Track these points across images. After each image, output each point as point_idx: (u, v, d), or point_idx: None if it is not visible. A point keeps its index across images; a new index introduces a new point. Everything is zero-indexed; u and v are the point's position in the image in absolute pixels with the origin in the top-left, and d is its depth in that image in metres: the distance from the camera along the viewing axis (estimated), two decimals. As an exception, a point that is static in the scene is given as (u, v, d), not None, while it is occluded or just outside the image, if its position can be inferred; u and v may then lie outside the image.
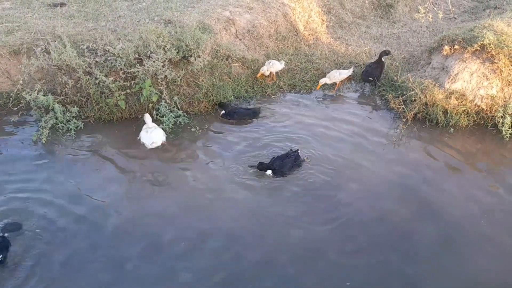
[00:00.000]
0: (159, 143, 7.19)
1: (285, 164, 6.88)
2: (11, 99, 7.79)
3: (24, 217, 5.93)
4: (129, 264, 5.44)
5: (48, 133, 7.28)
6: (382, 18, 12.12)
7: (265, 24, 10.27)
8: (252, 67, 9.32)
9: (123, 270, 5.37)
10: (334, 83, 9.24)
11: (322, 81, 9.07)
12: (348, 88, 9.49)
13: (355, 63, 10.06)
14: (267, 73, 9.15)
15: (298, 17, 11.01)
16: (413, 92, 8.30)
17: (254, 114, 8.28)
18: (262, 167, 6.85)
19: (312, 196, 6.55)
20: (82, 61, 7.63)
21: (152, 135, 7.17)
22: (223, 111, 8.18)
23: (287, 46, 10.35)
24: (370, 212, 6.29)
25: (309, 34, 10.92)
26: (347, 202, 6.45)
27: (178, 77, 8.07)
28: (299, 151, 7.11)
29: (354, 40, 11.09)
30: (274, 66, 9.18)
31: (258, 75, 9.12)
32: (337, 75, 9.11)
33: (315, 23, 11.22)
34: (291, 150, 7.14)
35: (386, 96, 8.70)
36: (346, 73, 9.21)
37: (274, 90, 9.13)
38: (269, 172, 6.86)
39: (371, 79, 9.15)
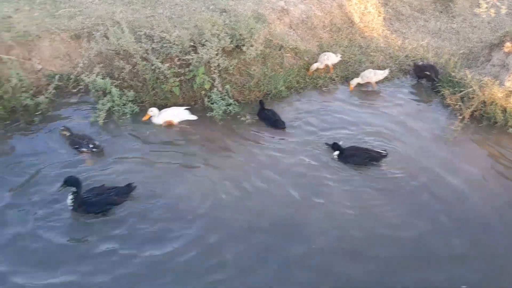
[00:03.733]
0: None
1: (356, 155, 6.92)
2: (71, 81, 8.09)
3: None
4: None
5: (105, 115, 7.53)
6: (441, 12, 11.75)
7: (319, 14, 10.18)
8: (305, 58, 9.27)
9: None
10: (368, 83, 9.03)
11: (354, 82, 8.86)
12: (403, 82, 9.31)
13: (411, 57, 9.84)
14: (321, 67, 9.03)
15: (353, 9, 10.84)
16: (471, 89, 8.03)
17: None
18: (335, 146, 7.02)
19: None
20: (140, 47, 7.83)
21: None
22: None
23: (342, 38, 10.23)
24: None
25: (365, 26, 10.74)
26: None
27: (231, 66, 8.15)
28: (382, 152, 7.05)
29: (411, 34, 10.83)
30: (330, 59, 9.08)
31: (309, 72, 9.01)
32: (372, 75, 8.88)
33: (371, 15, 11.01)
34: (370, 149, 7.10)
35: (443, 92, 8.46)
36: (381, 73, 8.96)
37: (326, 82, 9.06)
38: (336, 153, 6.97)
39: (428, 73, 8.90)
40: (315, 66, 8.95)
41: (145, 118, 7.46)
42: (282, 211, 6.13)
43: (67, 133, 7.04)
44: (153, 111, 7.52)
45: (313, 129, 7.80)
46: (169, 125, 7.62)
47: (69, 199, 5.76)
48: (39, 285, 5.01)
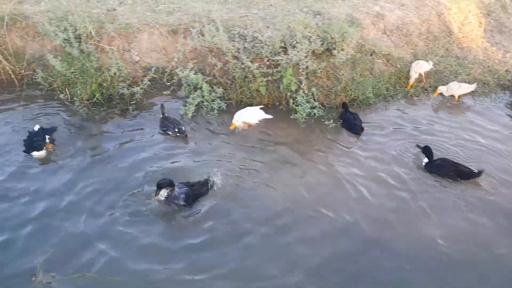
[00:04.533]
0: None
1: (443, 166, 6.66)
2: (165, 74, 8.47)
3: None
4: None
5: (194, 109, 7.80)
6: (550, 25, 10.91)
7: (416, 21, 9.85)
8: (397, 65, 9.00)
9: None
10: (452, 96, 8.59)
11: (441, 89, 8.50)
12: (500, 97, 8.78)
13: (512, 72, 9.26)
14: (416, 76, 8.73)
15: (453, 18, 10.37)
16: None
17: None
18: (426, 151, 6.81)
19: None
20: (232, 45, 8.01)
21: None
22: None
23: (438, 47, 9.81)
24: None
25: (463, 36, 10.23)
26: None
27: (319, 69, 8.11)
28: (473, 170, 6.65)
29: (514, 47, 10.16)
30: (423, 67, 8.75)
31: (409, 86, 8.73)
32: (456, 88, 8.43)
33: (472, 25, 10.47)
34: (461, 164, 6.77)
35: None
36: (467, 87, 8.49)
37: (418, 91, 8.75)
38: (425, 160, 6.77)
39: None
40: (412, 78, 8.67)
41: (232, 127, 7.51)
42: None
43: (161, 115, 7.52)
44: (238, 121, 7.54)
45: (398, 138, 7.57)
46: (248, 126, 7.67)
47: (162, 195, 5.89)
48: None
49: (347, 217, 5.96)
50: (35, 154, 6.61)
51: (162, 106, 7.61)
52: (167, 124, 7.36)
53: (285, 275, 5.22)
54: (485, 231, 5.86)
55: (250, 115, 7.59)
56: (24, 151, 6.70)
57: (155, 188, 5.85)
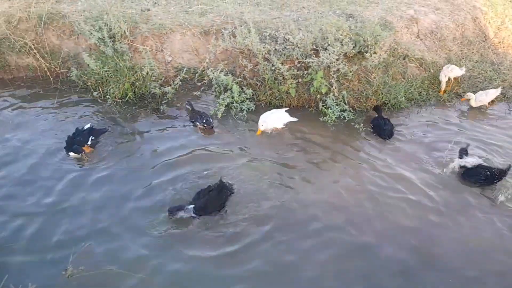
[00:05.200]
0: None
1: (489, 175, 6.48)
2: (196, 74, 8.54)
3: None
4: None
5: (224, 109, 7.85)
6: None
7: (451, 26, 9.67)
8: (431, 70, 8.85)
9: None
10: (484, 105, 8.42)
11: (469, 95, 8.34)
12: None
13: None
14: (445, 79, 8.55)
15: (489, 22, 10.15)
16: None
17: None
18: (462, 152, 6.75)
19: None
20: (263, 47, 8.01)
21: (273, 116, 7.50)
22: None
23: (472, 52, 9.61)
24: None
25: (499, 42, 9.99)
26: None
27: (350, 72, 8.04)
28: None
29: (552, 53, 9.86)
30: (454, 71, 8.58)
31: (441, 92, 8.59)
32: (484, 97, 8.26)
33: (508, 30, 10.21)
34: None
35: None
36: (493, 93, 8.31)
37: (451, 96, 8.58)
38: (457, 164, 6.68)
39: None
40: (443, 82, 8.52)
41: (258, 133, 7.47)
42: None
43: (190, 108, 7.77)
44: (263, 125, 7.47)
45: (428, 144, 7.42)
46: (274, 129, 7.61)
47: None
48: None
49: (371, 227, 5.90)
50: (71, 154, 6.72)
51: (188, 101, 7.85)
52: (196, 116, 7.61)
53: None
54: None
55: (277, 119, 7.55)
56: (64, 148, 6.81)
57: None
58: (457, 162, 6.73)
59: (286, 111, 7.70)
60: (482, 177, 6.48)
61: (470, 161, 6.62)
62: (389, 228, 5.86)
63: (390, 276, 5.26)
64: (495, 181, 6.48)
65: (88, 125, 7.15)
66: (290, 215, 6.00)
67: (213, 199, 5.89)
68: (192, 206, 5.80)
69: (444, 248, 5.60)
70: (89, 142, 6.81)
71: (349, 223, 5.90)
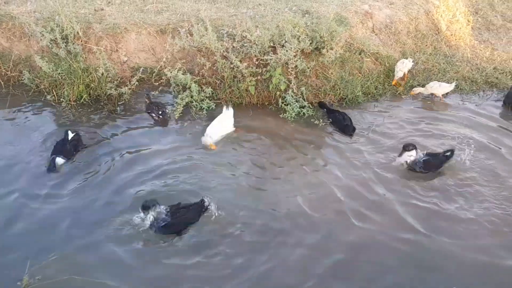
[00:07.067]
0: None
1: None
2: (153, 74, 8.42)
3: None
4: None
5: (182, 109, 7.76)
6: (538, 23, 10.99)
7: (404, 20, 9.88)
8: (386, 64, 9.02)
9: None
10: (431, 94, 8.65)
11: (417, 90, 8.55)
12: (488, 95, 8.82)
13: (500, 69, 9.29)
14: (400, 75, 8.74)
15: (441, 16, 10.42)
16: None
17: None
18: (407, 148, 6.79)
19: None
20: (221, 45, 7.96)
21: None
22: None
23: (426, 45, 9.85)
24: None
25: (451, 35, 10.28)
26: None
27: (308, 68, 8.10)
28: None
29: (501, 45, 10.22)
30: (407, 66, 8.77)
31: (394, 82, 8.76)
32: (437, 86, 8.49)
33: (459, 23, 10.53)
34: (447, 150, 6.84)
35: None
36: (447, 86, 8.53)
37: (406, 89, 8.77)
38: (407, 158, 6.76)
39: None
40: (397, 76, 8.70)
41: (213, 148, 7.15)
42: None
43: (147, 100, 7.79)
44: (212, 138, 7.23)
45: (388, 137, 7.55)
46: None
47: (148, 220, 5.54)
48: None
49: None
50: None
51: (147, 93, 7.86)
52: (152, 107, 7.68)
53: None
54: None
55: (221, 128, 7.32)
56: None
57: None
58: (403, 158, 6.81)
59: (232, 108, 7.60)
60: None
61: (413, 154, 6.74)
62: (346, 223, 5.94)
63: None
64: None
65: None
66: (258, 217, 5.93)
67: (188, 219, 5.68)
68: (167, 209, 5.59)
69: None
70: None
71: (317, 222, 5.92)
